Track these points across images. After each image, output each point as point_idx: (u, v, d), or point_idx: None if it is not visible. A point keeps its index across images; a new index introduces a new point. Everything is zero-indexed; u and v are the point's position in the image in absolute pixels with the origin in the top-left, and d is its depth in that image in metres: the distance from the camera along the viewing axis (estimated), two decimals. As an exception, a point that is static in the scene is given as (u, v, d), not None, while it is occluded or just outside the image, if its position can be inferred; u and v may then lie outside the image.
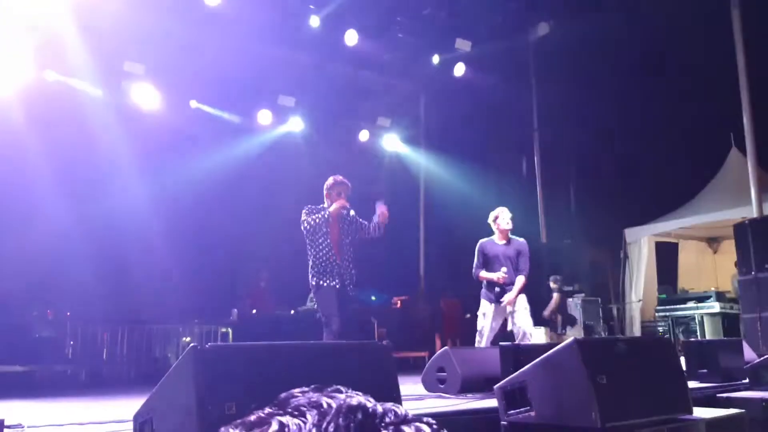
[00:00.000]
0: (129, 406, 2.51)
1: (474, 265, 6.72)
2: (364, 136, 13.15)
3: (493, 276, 6.55)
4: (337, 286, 5.45)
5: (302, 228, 5.55)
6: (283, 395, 0.74)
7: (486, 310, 6.65)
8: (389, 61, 11.25)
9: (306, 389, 0.75)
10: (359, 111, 12.52)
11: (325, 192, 5.73)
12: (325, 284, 5.44)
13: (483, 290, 6.74)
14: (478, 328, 6.73)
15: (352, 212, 5.72)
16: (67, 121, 8.80)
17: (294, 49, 10.42)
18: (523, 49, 11.91)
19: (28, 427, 3.62)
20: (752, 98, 9.04)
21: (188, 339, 9.28)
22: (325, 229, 5.52)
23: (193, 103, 10.93)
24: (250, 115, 11.57)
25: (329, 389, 0.75)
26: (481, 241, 6.77)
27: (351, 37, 10.61)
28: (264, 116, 11.68)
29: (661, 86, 10.78)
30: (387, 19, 10.60)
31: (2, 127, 8.20)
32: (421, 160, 13.54)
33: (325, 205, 5.67)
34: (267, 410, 0.71)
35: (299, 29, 10.18)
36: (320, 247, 5.51)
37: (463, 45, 11.21)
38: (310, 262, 5.55)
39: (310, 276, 5.54)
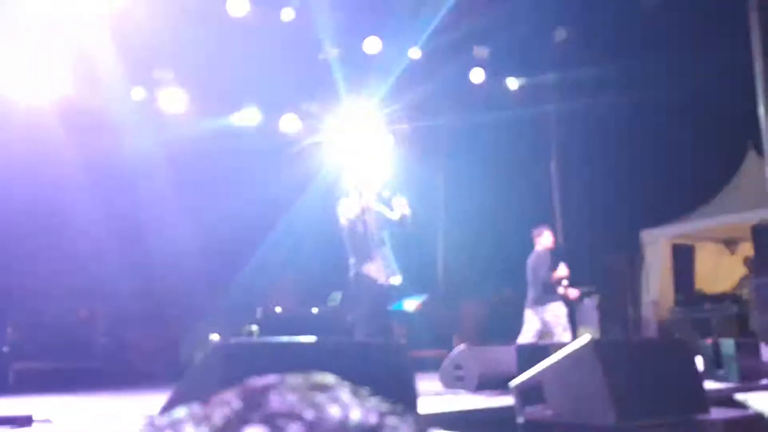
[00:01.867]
0: (155, 402, 2.60)
1: (547, 269, 7.35)
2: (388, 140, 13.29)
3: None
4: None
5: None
6: (252, 386, 0.60)
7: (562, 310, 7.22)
8: (409, 67, 11.34)
9: (283, 383, 0.60)
10: (380, 116, 12.63)
11: (354, 186, 5.75)
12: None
13: (553, 293, 7.28)
14: (559, 326, 7.12)
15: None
16: (99, 126, 9.06)
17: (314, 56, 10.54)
18: (541, 54, 11.96)
19: (57, 422, 3.73)
20: (769, 99, 9.02)
21: (216, 336, 9.46)
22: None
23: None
24: (274, 121, 11.71)
25: (316, 384, 0.60)
26: (545, 249, 7.46)
27: (372, 45, 10.73)
28: (290, 123, 11.82)
29: (678, 87, 10.76)
30: (405, 25, 10.69)
31: (38, 135, 8.47)
32: (440, 164, 13.63)
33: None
34: (234, 406, 0.59)
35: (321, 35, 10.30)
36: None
37: (480, 52, 11.29)
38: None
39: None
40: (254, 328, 9.82)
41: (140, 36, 8.71)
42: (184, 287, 9.59)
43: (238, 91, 10.74)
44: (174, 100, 10.26)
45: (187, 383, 2.49)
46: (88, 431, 3.56)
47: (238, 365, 2.26)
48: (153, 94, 10.19)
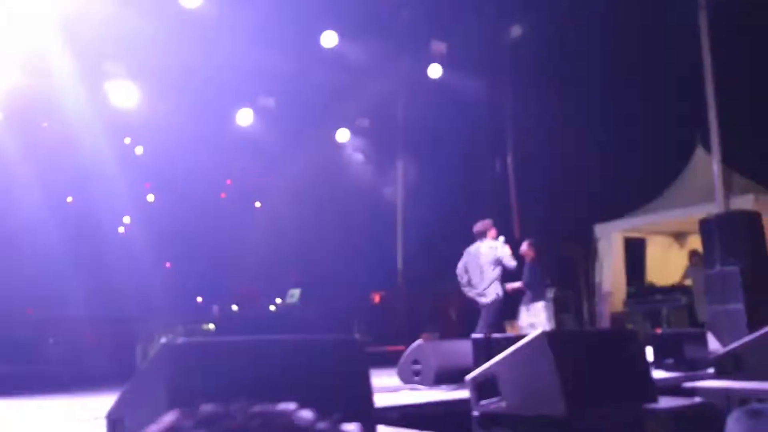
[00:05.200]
0: (107, 404, 2.53)
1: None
2: (342, 136, 13.30)
3: None
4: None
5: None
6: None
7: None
8: (367, 62, 11.32)
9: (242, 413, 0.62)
10: (338, 112, 12.60)
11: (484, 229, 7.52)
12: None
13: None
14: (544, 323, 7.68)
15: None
16: (48, 120, 8.76)
17: (272, 50, 10.43)
18: (497, 50, 12.09)
19: (4, 425, 3.62)
20: (717, 98, 9.31)
21: (170, 336, 9.28)
22: None
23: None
24: (229, 114, 11.55)
25: (278, 416, 0.62)
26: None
27: (329, 39, 10.67)
28: (244, 116, 11.68)
29: (629, 86, 11.01)
30: (364, 20, 10.67)
31: None
32: (398, 158, 13.67)
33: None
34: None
35: (279, 30, 10.19)
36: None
37: (438, 47, 11.36)
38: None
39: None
40: (211, 326, 9.70)
41: (91, 27, 8.47)
42: (139, 287, 9.39)
43: (193, 85, 10.55)
44: (125, 94, 10.01)
45: (136, 384, 2.44)
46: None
47: (186, 365, 2.22)
48: (103, 88, 9.93)
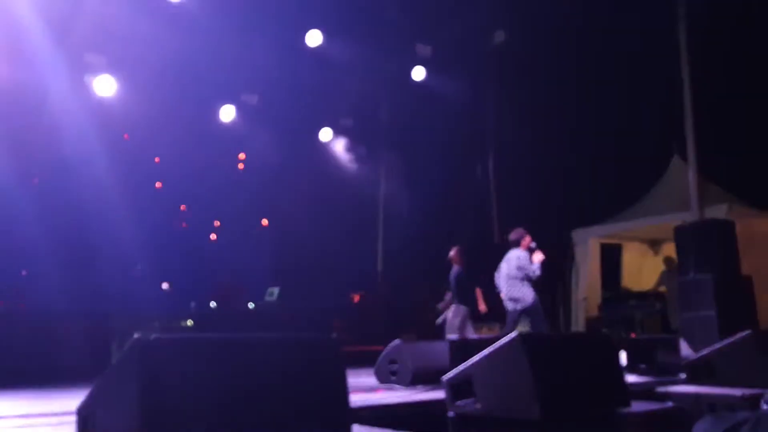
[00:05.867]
0: (78, 399, 2.50)
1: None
2: (325, 135, 13.28)
3: None
4: None
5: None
6: None
7: None
8: (351, 62, 11.31)
9: None
10: (321, 111, 12.57)
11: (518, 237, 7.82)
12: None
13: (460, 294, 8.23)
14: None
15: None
16: (29, 112, 8.61)
17: (256, 48, 10.37)
18: (481, 56, 12.15)
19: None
20: (694, 107, 9.45)
21: (145, 332, 9.14)
22: None
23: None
24: (213, 110, 11.47)
25: None
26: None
27: (313, 38, 10.65)
28: (227, 112, 11.61)
29: (609, 94, 11.14)
30: (348, 20, 10.66)
31: None
32: (381, 159, 13.68)
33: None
34: None
35: (263, 28, 10.15)
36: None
37: (423, 50, 11.40)
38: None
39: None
40: (189, 323, 9.62)
41: (73, 18, 8.36)
42: (117, 281, 9.27)
43: (176, 79, 10.46)
44: (106, 86, 9.91)
45: (108, 379, 2.41)
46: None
47: (158, 361, 2.20)
48: (85, 78, 9.81)
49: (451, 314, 8.39)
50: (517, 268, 7.66)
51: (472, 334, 8.22)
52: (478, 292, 8.43)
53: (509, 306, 7.76)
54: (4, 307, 8.39)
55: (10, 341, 8.12)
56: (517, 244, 7.86)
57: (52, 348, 8.38)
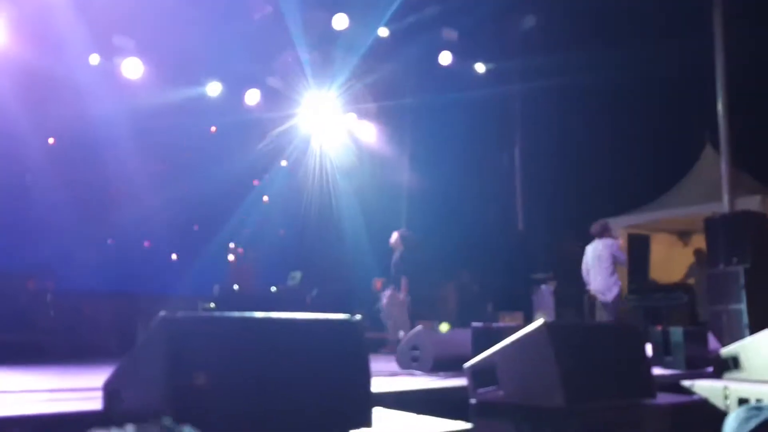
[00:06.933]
0: (104, 375, 2.53)
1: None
2: (351, 120, 13.23)
3: None
4: None
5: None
6: None
7: None
8: (376, 45, 11.23)
9: None
10: (345, 95, 12.51)
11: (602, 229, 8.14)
12: None
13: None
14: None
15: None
16: (59, 93, 8.72)
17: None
18: (509, 42, 11.99)
19: (1, 393, 3.62)
20: (728, 98, 9.25)
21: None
22: None
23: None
24: (238, 93, 11.48)
25: None
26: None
27: (340, 21, 10.61)
28: (252, 96, 11.63)
29: (641, 81, 10.93)
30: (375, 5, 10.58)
31: None
32: (406, 143, 13.59)
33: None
34: None
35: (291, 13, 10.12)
36: None
37: (449, 35, 11.27)
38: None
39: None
40: (212, 305, 9.71)
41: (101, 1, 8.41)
42: (143, 261, 9.40)
43: (201, 63, 10.49)
44: (133, 69, 9.96)
45: (134, 356, 2.43)
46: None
47: (184, 339, 2.20)
48: (113, 61, 9.87)
49: (387, 300, 8.48)
50: (611, 256, 7.95)
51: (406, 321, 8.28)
52: (404, 281, 8.53)
53: (609, 297, 7.92)
54: (34, 286, 8.56)
55: (39, 319, 8.30)
56: (600, 235, 8.16)
57: (80, 326, 8.54)
